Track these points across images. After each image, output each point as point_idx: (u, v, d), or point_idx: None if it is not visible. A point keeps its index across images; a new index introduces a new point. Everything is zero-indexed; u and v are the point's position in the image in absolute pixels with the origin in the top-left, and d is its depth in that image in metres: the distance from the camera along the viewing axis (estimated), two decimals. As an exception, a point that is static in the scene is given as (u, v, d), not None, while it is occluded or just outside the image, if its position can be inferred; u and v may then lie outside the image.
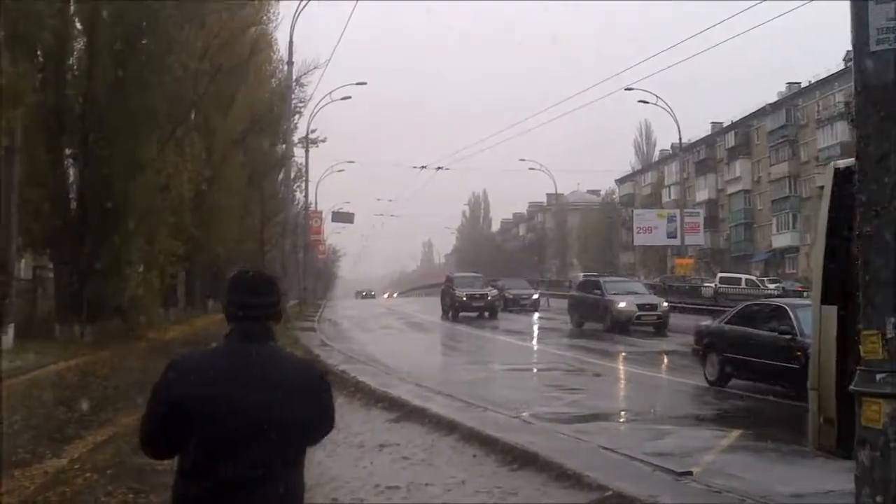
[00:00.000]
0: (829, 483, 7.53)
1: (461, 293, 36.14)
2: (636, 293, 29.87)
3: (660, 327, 27.83)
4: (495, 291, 37.86)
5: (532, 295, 42.19)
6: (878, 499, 3.61)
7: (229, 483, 2.82)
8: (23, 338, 19.72)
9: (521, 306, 40.26)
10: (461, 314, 35.62)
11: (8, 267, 20.29)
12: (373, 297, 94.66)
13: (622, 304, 28.15)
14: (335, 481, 8.31)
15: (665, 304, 29.17)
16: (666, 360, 20.74)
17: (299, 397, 2.95)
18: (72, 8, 22.32)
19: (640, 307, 28.17)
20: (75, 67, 22.94)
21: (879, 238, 3.67)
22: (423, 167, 65.26)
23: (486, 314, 35.53)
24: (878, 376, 3.65)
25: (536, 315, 37.70)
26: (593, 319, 29.24)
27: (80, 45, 23.01)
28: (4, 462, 8.96)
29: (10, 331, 19.44)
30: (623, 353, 22.01)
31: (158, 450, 3.00)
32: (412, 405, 12.46)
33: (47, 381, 16.04)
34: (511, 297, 40.79)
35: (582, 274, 68.06)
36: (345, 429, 10.42)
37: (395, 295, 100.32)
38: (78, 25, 22.85)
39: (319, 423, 3.13)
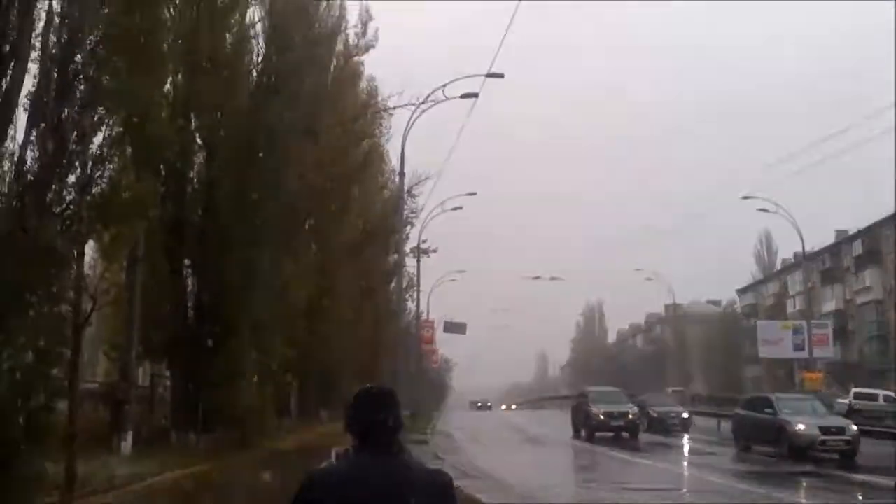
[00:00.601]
0: None
1: (597, 410, 32.52)
2: (816, 413, 25.82)
3: (848, 455, 23.55)
4: (636, 409, 33.80)
5: (681, 413, 37.74)
6: None
7: None
8: (140, 444, 19.90)
9: (669, 427, 35.94)
10: (597, 434, 31.95)
11: (129, 374, 20.67)
12: (489, 408, 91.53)
13: (801, 427, 24.17)
14: None
15: (854, 427, 24.91)
16: (859, 494, 18.05)
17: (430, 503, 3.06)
18: (193, 124, 23.17)
19: (824, 430, 23.92)
20: (195, 181, 23.73)
21: None
22: (536, 277, 65.12)
23: (626, 434, 31.83)
24: None
25: (686, 437, 33.75)
26: (764, 443, 25.78)
27: (199, 159, 23.84)
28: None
29: (129, 437, 19.68)
30: (794, 481, 19.55)
31: None
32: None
33: (164, 488, 16.01)
34: (656, 415, 36.49)
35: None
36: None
37: (513, 406, 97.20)
38: (198, 141, 23.69)
39: None
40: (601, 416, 32.27)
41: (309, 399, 40.08)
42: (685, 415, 37.74)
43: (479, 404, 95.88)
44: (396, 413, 3.23)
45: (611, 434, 31.88)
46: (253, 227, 23.26)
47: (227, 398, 23.11)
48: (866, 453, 23.12)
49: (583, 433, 33.26)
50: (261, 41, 25.27)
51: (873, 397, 46.24)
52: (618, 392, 36.52)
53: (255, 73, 24.88)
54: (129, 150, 19.27)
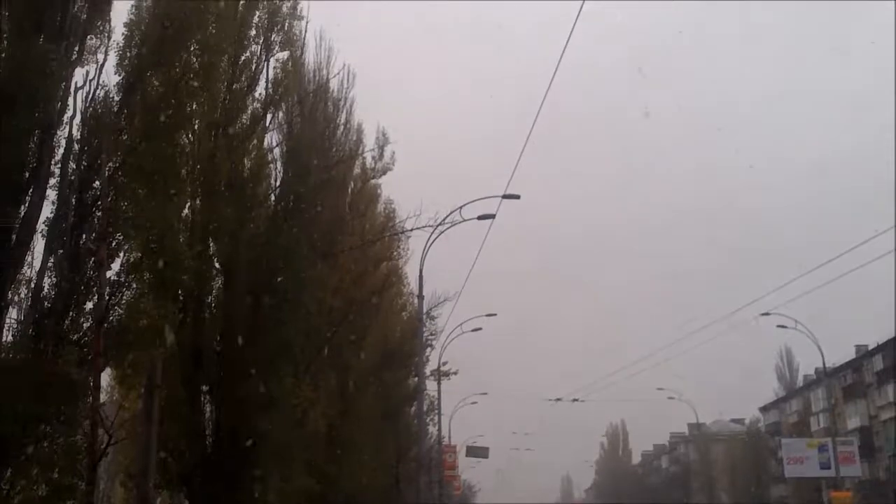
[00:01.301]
0: None
1: None
2: None
3: None
4: None
5: None
6: None
7: None
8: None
9: None
10: None
11: (146, 506, 20.02)
12: None
13: None
14: None
15: None
16: None
17: None
18: (211, 249, 23.15)
19: None
20: (213, 305, 23.50)
21: None
22: (558, 399, 64.61)
23: None
24: None
25: None
26: None
27: (217, 283, 23.68)
28: None
29: (148, 570, 18.91)
30: None
31: None
32: None
33: None
34: None
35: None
36: None
37: None
38: (216, 265, 23.61)
39: None
40: None
41: (330, 530, 38.90)
42: None
43: None
44: None
45: None
46: (272, 353, 22.96)
47: (248, 530, 22.39)
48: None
49: None
50: (279, 165, 25.59)
51: (906, 517, 44.44)
52: None
53: (273, 197, 25.05)
54: (147, 275, 19.23)
